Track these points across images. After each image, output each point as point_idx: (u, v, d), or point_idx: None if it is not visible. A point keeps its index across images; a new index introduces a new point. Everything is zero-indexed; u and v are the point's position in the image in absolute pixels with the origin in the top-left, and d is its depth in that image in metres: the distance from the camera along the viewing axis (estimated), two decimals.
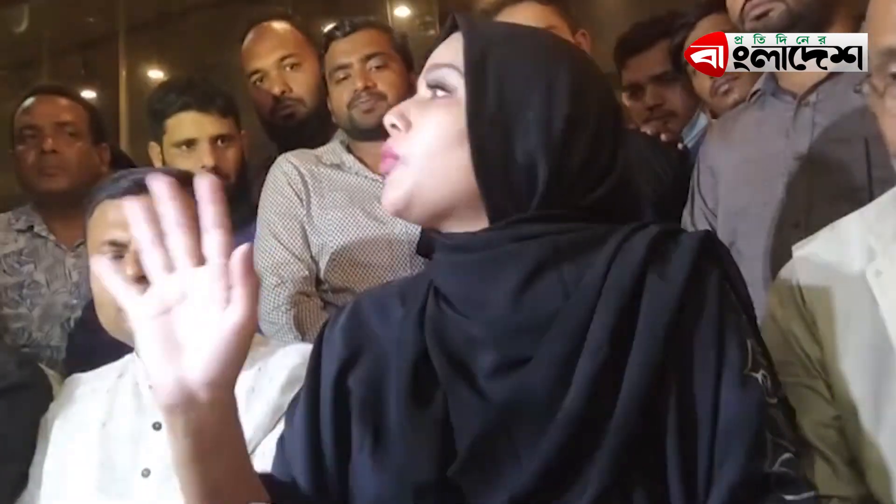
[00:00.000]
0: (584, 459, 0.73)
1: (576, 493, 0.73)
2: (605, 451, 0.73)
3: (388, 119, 0.86)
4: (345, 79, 1.77)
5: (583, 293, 0.77)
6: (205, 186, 0.70)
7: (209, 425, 0.72)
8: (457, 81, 0.82)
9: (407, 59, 1.82)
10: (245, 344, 0.71)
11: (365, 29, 1.79)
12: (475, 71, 0.81)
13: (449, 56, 0.84)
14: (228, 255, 0.69)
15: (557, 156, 0.80)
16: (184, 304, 0.71)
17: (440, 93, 0.84)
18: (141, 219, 0.70)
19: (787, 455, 0.75)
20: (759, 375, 0.77)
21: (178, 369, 0.69)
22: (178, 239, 0.70)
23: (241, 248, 0.70)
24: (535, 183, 0.80)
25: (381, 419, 0.81)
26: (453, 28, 0.87)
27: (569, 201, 0.81)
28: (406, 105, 0.86)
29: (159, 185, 0.70)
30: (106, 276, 0.73)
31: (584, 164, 0.82)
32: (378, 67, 1.76)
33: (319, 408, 0.86)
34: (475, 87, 0.81)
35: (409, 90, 1.78)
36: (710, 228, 1.47)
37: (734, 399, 0.75)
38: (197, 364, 0.69)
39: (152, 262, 0.71)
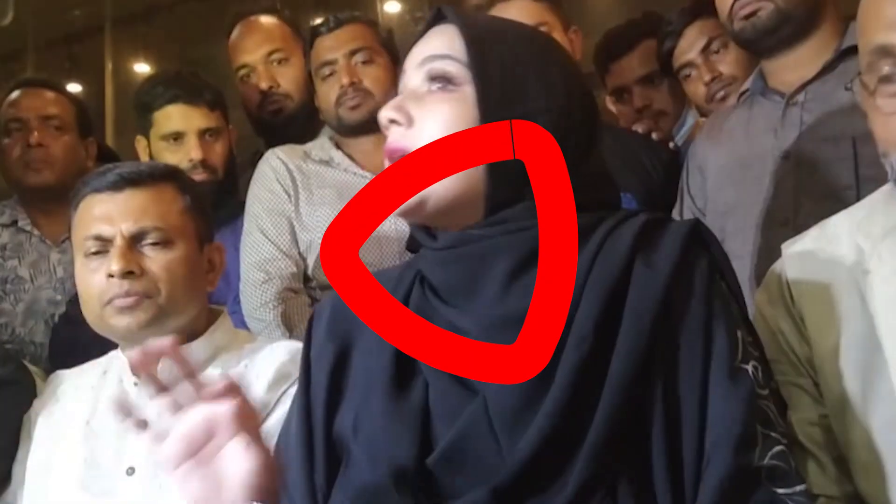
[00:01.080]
0: (567, 452, 0.73)
1: (558, 486, 0.73)
2: (589, 444, 0.72)
3: (387, 114, 0.84)
4: (330, 75, 1.76)
5: None
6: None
7: None
8: (459, 72, 0.82)
9: (393, 54, 1.81)
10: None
11: (350, 24, 1.78)
12: (482, 63, 0.81)
13: (444, 47, 0.84)
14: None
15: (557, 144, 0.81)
16: (209, 441, 0.72)
17: (437, 85, 0.83)
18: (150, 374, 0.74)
19: (778, 448, 0.75)
20: (749, 367, 0.76)
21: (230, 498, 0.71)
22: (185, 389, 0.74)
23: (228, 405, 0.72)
24: None
25: (368, 407, 0.81)
26: (437, 20, 0.87)
27: None
28: (402, 100, 0.84)
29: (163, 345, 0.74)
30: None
31: (574, 150, 0.82)
32: (364, 62, 1.75)
33: (311, 408, 0.86)
34: (483, 79, 0.81)
35: (395, 85, 1.77)
36: None
37: (723, 392, 0.74)
38: (246, 490, 0.71)
39: (161, 408, 0.74)
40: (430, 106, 0.83)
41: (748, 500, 0.72)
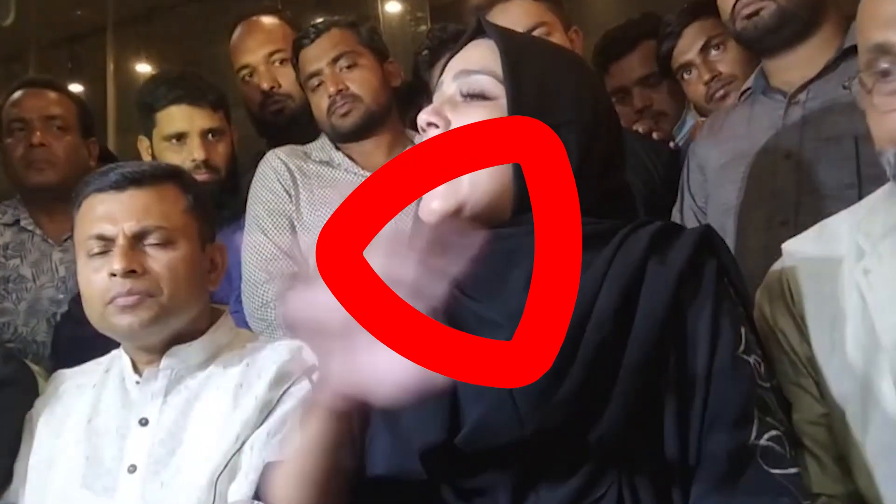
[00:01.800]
0: (586, 432, 0.78)
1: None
2: (606, 421, 0.78)
3: (425, 118, 0.89)
4: (319, 85, 1.76)
5: (589, 278, 0.81)
6: None
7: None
8: (494, 87, 0.87)
9: (378, 51, 1.81)
10: None
11: (329, 31, 1.78)
12: (517, 79, 0.87)
13: (481, 62, 0.89)
14: None
15: (581, 156, 0.85)
16: None
17: (472, 97, 0.88)
18: None
19: (774, 432, 0.80)
20: (751, 359, 0.82)
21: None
22: None
23: None
24: None
25: None
26: (477, 33, 0.92)
27: (584, 198, 0.84)
28: (440, 105, 0.89)
29: None
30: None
31: (598, 163, 0.88)
32: (348, 67, 1.75)
33: None
34: (517, 94, 0.86)
35: (383, 82, 1.78)
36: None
37: (724, 375, 0.80)
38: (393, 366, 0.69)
39: None
40: (464, 111, 0.88)
41: (741, 474, 0.78)
